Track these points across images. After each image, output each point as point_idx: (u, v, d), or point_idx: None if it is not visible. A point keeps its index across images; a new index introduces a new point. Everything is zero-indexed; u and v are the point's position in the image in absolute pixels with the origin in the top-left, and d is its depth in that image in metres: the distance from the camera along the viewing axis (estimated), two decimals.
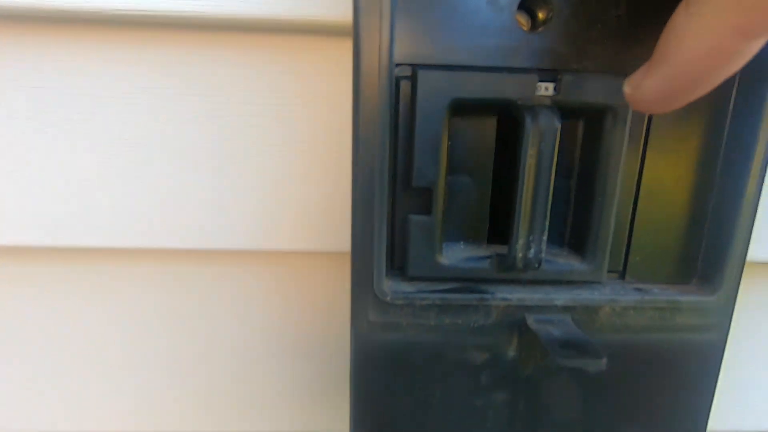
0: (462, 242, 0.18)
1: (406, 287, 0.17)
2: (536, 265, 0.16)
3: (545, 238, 0.16)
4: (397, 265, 0.18)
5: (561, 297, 0.17)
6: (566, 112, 0.16)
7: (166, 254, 0.27)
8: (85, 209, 0.25)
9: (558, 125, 0.15)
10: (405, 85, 0.16)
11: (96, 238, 0.26)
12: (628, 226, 0.18)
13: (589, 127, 0.17)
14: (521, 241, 0.16)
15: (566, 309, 0.17)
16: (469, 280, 0.18)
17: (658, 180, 0.18)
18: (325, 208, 0.26)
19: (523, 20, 0.16)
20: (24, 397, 0.30)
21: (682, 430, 0.19)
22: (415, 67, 0.16)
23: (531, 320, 0.17)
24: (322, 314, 0.28)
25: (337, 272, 0.27)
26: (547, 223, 0.16)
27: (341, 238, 0.26)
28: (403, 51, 0.16)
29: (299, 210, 0.26)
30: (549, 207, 0.16)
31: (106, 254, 0.27)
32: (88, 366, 0.29)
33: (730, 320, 0.18)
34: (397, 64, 0.16)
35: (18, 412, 0.30)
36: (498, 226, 0.18)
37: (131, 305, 0.28)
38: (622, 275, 0.18)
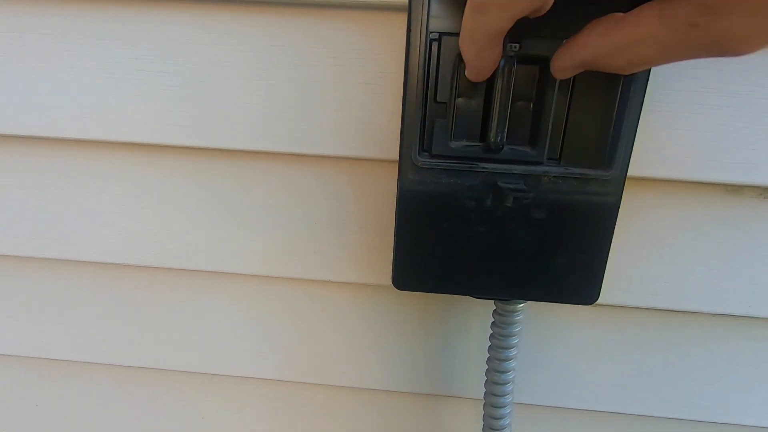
0: (464, 139, 0.32)
1: (430, 159, 0.31)
2: (501, 147, 0.30)
3: (506, 132, 0.29)
4: (425, 149, 0.32)
5: (518, 168, 0.30)
6: (527, 60, 0.28)
7: (258, 156, 0.43)
8: (198, 117, 0.41)
9: (514, 66, 0.28)
10: (434, 44, 0.29)
11: (205, 140, 0.42)
12: (562, 130, 0.30)
13: (541, 68, 0.30)
14: (492, 132, 0.29)
15: (521, 176, 0.31)
16: (467, 159, 0.31)
17: (582, 99, 0.30)
18: (377, 126, 0.40)
19: None
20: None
21: (588, 259, 0.32)
22: (441, 34, 0.29)
23: (500, 181, 0.31)
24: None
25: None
26: (506, 123, 0.29)
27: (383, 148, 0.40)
28: (434, 24, 0.29)
29: (361, 127, 0.40)
30: (508, 114, 0.29)
31: (215, 153, 0.43)
32: None
33: (622, 189, 0.31)
34: (431, 32, 0.29)
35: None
36: (485, 131, 0.31)
37: (215, 190, 0.44)
38: (558, 161, 0.31)
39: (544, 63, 0.28)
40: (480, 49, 0.25)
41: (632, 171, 0.38)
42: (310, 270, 0.47)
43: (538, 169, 0.31)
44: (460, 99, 0.31)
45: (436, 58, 0.29)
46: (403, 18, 0.39)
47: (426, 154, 0.31)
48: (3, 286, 0.52)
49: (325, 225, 0.46)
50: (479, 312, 0.47)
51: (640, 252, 0.42)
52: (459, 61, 0.29)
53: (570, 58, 0.25)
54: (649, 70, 0.29)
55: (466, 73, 0.28)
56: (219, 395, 0.54)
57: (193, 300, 0.50)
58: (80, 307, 0.52)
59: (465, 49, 0.26)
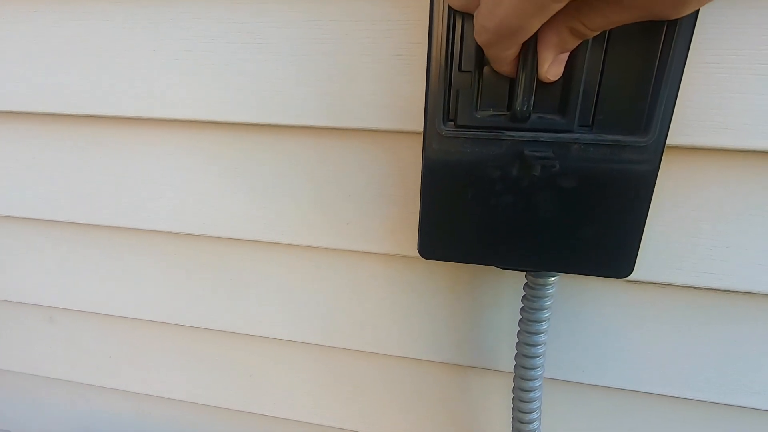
0: (490, 108, 0.31)
1: (454, 128, 0.31)
2: (528, 115, 0.29)
3: (533, 99, 0.28)
4: (450, 118, 0.31)
5: (545, 136, 0.30)
6: None
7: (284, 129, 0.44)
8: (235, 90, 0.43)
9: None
10: (457, 15, 0.29)
11: (246, 115, 0.43)
12: (595, 94, 0.29)
13: None
14: (519, 99, 0.28)
15: (549, 143, 0.30)
16: (492, 128, 0.31)
17: (617, 59, 0.28)
18: (407, 97, 0.40)
19: None
20: None
21: (622, 230, 0.31)
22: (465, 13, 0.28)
23: (527, 149, 0.30)
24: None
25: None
26: (533, 90, 0.28)
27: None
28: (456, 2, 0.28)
29: (392, 99, 0.41)
30: (535, 80, 0.28)
31: (254, 128, 0.44)
32: None
33: (660, 157, 0.29)
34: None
35: None
36: (512, 99, 0.31)
37: (255, 164, 0.46)
38: (590, 127, 0.30)
39: None
40: (498, 58, 0.28)
41: (674, 138, 0.36)
42: (344, 240, 0.49)
43: (568, 136, 0.29)
44: (485, 67, 0.30)
45: (460, 29, 0.29)
46: None
47: (451, 123, 0.31)
48: (80, 251, 0.58)
49: (359, 197, 0.47)
50: (510, 284, 0.47)
51: (685, 226, 0.40)
52: None
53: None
54: (694, 24, 0.26)
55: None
56: (263, 356, 0.58)
57: (238, 267, 0.54)
58: (143, 272, 0.57)
59: (486, 52, 0.28)
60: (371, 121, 0.43)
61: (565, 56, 0.28)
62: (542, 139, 0.30)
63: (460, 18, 0.29)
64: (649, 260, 0.41)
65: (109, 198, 0.53)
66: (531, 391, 0.44)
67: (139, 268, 0.57)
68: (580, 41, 0.26)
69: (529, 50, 0.27)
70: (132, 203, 0.52)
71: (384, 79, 0.42)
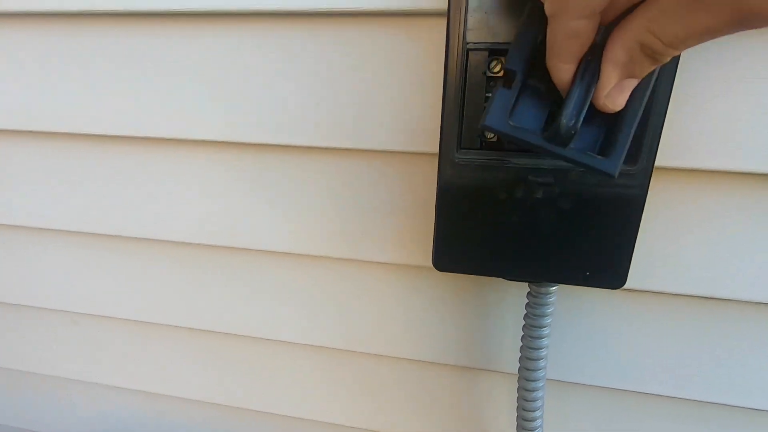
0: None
1: (466, 156, 0.35)
2: (572, 133, 0.25)
3: (581, 118, 0.25)
4: (462, 147, 0.35)
5: (546, 163, 0.33)
6: None
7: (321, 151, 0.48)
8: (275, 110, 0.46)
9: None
10: (471, 54, 0.33)
11: (261, 136, 0.47)
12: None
13: None
14: (566, 115, 0.25)
15: (549, 170, 0.34)
16: (499, 155, 0.35)
17: None
18: (419, 122, 0.44)
19: None
20: None
21: (615, 247, 0.35)
22: (477, 45, 0.32)
23: (530, 175, 0.34)
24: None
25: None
26: (584, 108, 0.25)
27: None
28: (471, 36, 0.32)
29: (405, 123, 0.44)
30: (587, 101, 0.25)
31: (276, 149, 0.48)
32: None
33: (648, 183, 0.33)
34: (468, 42, 0.32)
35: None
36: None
37: (276, 181, 0.50)
38: None
39: None
40: (555, 68, 0.25)
41: (662, 161, 0.39)
42: (359, 251, 0.52)
43: (567, 163, 0.33)
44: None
45: (472, 68, 0.33)
46: (442, 23, 0.42)
47: (462, 151, 0.35)
48: (104, 260, 0.61)
49: (374, 211, 0.51)
50: (513, 292, 0.51)
51: (674, 239, 0.44)
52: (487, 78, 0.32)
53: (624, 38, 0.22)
54: (676, 67, 0.30)
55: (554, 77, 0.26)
56: (280, 358, 0.62)
57: (257, 275, 0.57)
58: (165, 279, 0.60)
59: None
60: (386, 143, 0.47)
61: (632, 85, 0.25)
62: (543, 167, 0.34)
63: (473, 56, 0.32)
64: (640, 271, 0.45)
65: (134, 211, 0.57)
66: (534, 391, 0.48)
67: (161, 276, 0.60)
68: (652, 68, 0.23)
69: (590, 65, 0.24)
70: (156, 216, 0.56)
71: (399, 104, 0.46)
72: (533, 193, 0.34)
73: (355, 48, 0.45)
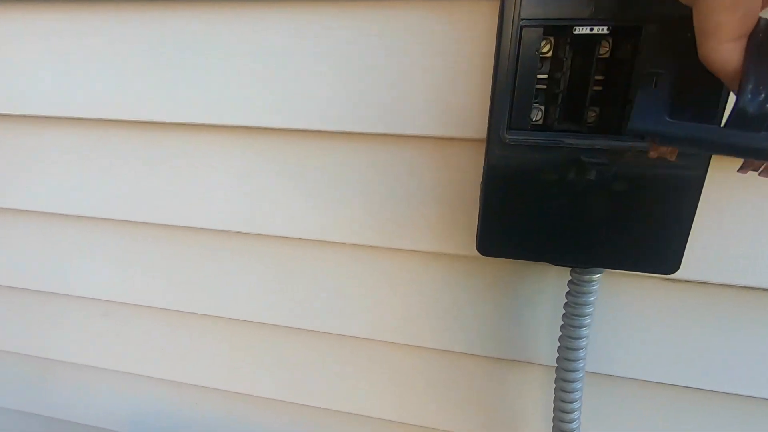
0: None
1: (516, 136, 0.34)
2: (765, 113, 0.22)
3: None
4: (512, 127, 0.34)
5: (601, 143, 0.32)
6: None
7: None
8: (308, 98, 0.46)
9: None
10: (525, 30, 0.32)
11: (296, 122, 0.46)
12: None
13: (632, 51, 0.31)
14: (746, 96, 0.21)
15: (604, 150, 0.33)
16: (551, 135, 0.34)
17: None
18: (458, 107, 0.43)
19: None
20: None
21: (670, 230, 0.34)
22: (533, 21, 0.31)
23: (583, 156, 0.33)
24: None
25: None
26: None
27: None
28: (527, 11, 0.31)
29: (443, 108, 0.44)
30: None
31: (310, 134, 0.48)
32: None
33: (708, 163, 0.32)
34: (522, 18, 0.31)
35: None
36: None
37: (309, 167, 0.50)
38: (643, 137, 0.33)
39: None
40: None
41: None
42: (393, 239, 0.52)
43: (623, 144, 0.32)
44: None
45: (525, 46, 0.32)
46: (487, 4, 0.41)
47: (512, 131, 0.34)
48: (136, 248, 0.62)
49: (408, 199, 0.50)
50: (551, 280, 0.50)
51: (729, 228, 0.42)
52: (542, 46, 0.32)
53: None
54: None
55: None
56: (309, 347, 0.62)
57: (289, 264, 0.57)
58: (197, 268, 0.61)
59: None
60: (423, 128, 0.46)
61: None
62: (598, 147, 0.33)
63: (527, 33, 0.32)
64: (687, 259, 0.44)
65: (166, 198, 0.57)
66: (573, 382, 0.47)
67: (191, 264, 0.60)
68: None
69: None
70: (188, 203, 0.56)
71: (437, 90, 0.45)
72: (586, 174, 0.33)
73: (391, 29, 0.44)
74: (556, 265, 0.39)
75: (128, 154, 0.56)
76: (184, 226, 0.58)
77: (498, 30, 0.32)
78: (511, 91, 0.33)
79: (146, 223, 0.59)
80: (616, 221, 0.35)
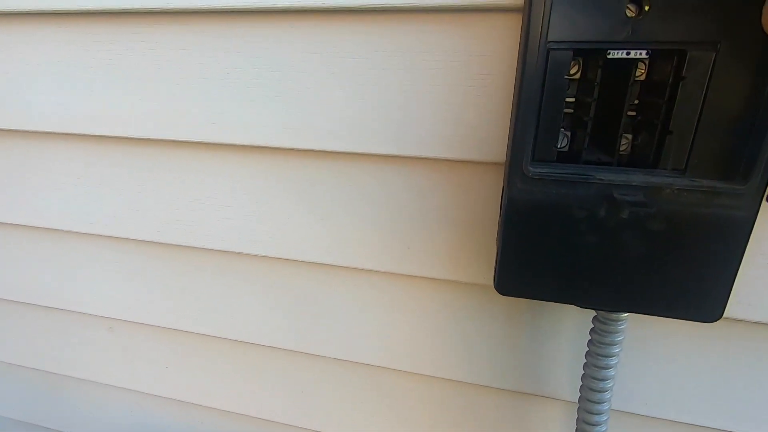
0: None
1: (540, 169, 0.31)
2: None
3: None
4: (537, 158, 0.31)
5: (637, 179, 0.29)
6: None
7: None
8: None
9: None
10: (553, 53, 0.29)
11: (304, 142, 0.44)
12: (692, 135, 0.28)
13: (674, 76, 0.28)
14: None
15: (640, 187, 0.29)
16: (580, 169, 0.30)
17: (715, 106, 0.28)
18: (474, 128, 0.40)
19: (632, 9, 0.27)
20: None
21: (713, 275, 0.30)
22: (561, 44, 0.28)
23: (616, 192, 0.30)
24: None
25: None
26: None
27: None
28: (554, 33, 0.28)
29: (458, 129, 0.41)
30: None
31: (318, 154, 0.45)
32: None
33: (759, 205, 0.28)
34: (550, 41, 0.28)
35: None
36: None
37: (317, 188, 0.47)
38: (684, 173, 0.29)
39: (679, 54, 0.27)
40: None
41: None
42: (404, 265, 0.49)
43: (660, 180, 0.29)
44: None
45: (553, 70, 0.29)
46: (508, 20, 0.38)
47: (536, 164, 0.31)
48: (142, 267, 0.60)
49: (420, 223, 0.47)
50: (572, 314, 0.46)
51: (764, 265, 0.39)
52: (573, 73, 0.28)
53: None
54: None
55: None
56: (316, 372, 0.59)
57: (296, 288, 0.55)
58: (201, 288, 0.59)
59: None
60: (436, 150, 0.44)
61: None
62: (633, 183, 0.29)
63: (556, 56, 0.28)
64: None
65: (172, 217, 0.55)
66: (597, 425, 0.43)
67: (197, 284, 0.59)
68: None
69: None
70: (194, 223, 0.54)
71: (451, 110, 0.42)
72: (618, 212, 0.30)
73: (405, 44, 0.41)
74: (582, 308, 0.36)
75: (135, 172, 0.54)
76: (191, 246, 0.56)
77: (521, 52, 0.29)
78: (535, 120, 0.30)
79: (153, 242, 0.57)
80: (652, 263, 0.31)
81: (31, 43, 0.51)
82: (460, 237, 0.46)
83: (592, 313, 0.39)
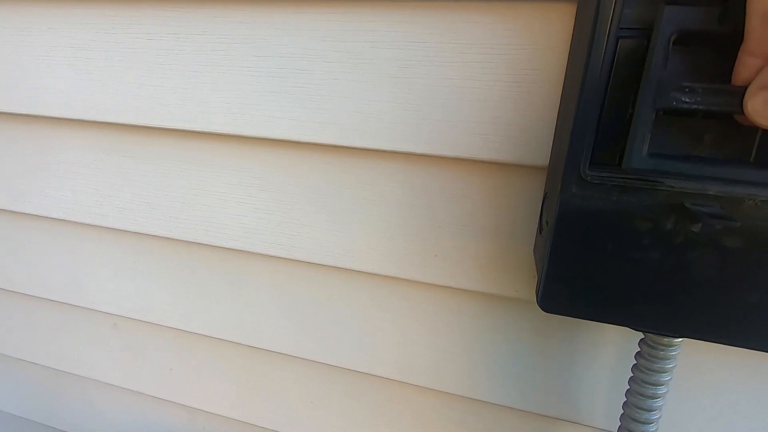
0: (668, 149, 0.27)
1: (601, 173, 0.27)
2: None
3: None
4: (595, 162, 0.28)
5: (713, 189, 0.25)
6: None
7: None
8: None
9: None
10: (624, 41, 0.25)
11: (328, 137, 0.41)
12: None
13: None
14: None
15: (716, 198, 0.26)
16: (647, 175, 0.27)
17: None
18: (516, 128, 0.37)
19: None
20: None
21: None
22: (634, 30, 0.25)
23: (688, 202, 0.26)
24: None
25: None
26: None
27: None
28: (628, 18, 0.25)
29: (498, 128, 0.37)
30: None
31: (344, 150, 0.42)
32: None
33: None
34: (622, 27, 0.25)
35: None
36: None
37: (341, 186, 0.44)
38: None
39: None
40: None
41: None
42: (429, 274, 0.45)
43: (741, 190, 0.25)
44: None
45: (622, 60, 0.25)
46: (559, 9, 0.35)
47: (596, 167, 0.28)
48: (150, 263, 0.57)
49: (449, 229, 0.44)
50: (613, 334, 0.42)
51: None
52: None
53: None
54: None
55: None
56: (328, 383, 0.56)
57: (311, 292, 0.51)
58: (211, 288, 0.56)
59: None
60: (471, 150, 0.40)
61: None
62: (709, 192, 0.26)
63: (629, 44, 0.25)
64: None
65: (185, 213, 0.52)
66: None
67: (207, 284, 0.56)
68: None
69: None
70: (208, 219, 0.51)
71: (490, 107, 0.39)
72: (689, 225, 0.26)
73: (443, 35, 0.38)
74: (638, 331, 0.32)
75: (148, 163, 0.52)
76: (202, 243, 0.53)
77: (591, 36, 0.25)
78: (596, 117, 0.27)
79: (163, 237, 0.54)
80: (724, 285, 0.27)
81: (44, 28, 0.49)
82: (492, 246, 0.43)
83: (635, 333, 0.36)
